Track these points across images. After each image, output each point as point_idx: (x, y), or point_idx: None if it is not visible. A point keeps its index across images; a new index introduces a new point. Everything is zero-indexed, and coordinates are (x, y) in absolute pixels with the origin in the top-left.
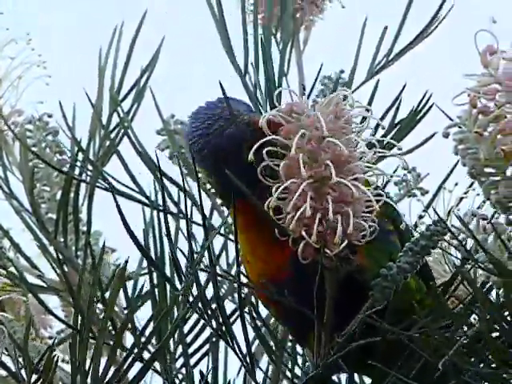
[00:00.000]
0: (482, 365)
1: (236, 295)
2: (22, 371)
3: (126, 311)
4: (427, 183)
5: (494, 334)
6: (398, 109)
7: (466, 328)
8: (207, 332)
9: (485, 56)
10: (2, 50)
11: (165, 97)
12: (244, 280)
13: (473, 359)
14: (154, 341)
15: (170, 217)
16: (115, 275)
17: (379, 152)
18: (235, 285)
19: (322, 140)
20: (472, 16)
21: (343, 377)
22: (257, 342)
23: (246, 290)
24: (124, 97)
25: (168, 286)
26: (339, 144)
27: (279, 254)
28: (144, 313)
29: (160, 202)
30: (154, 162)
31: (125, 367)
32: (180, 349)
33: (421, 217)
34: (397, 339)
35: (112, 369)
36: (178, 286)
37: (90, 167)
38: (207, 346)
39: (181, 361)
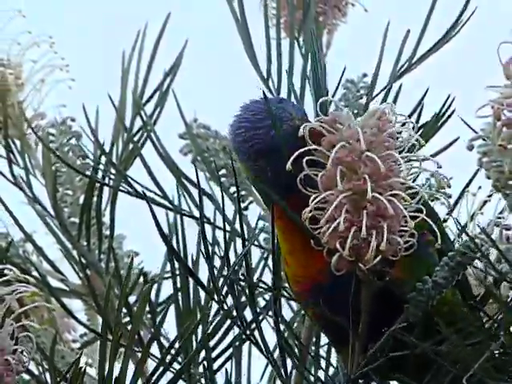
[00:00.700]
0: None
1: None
2: (48, 377)
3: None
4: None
5: None
6: (420, 113)
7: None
8: (230, 336)
9: (508, 67)
10: (25, 54)
11: (188, 100)
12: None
13: (500, 374)
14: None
15: (192, 221)
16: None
17: (417, 168)
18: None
19: (362, 153)
20: (495, 17)
21: None
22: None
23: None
24: (147, 100)
25: (191, 289)
26: (376, 159)
27: (319, 259)
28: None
29: (183, 206)
30: (178, 166)
31: (153, 380)
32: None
33: (445, 220)
34: (425, 353)
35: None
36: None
37: (112, 171)
38: (230, 351)
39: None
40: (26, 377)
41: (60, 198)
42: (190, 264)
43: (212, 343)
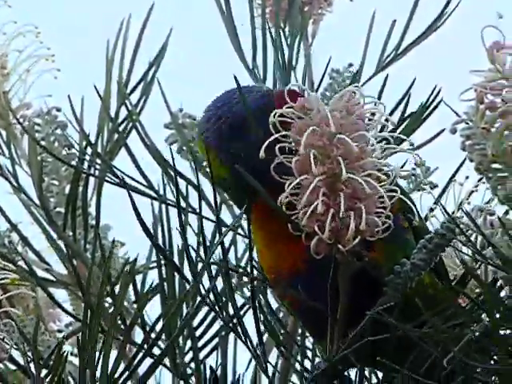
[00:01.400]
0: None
1: (244, 289)
2: (32, 365)
3: (134, 305)
4: (437, 178)
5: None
6: (407, 103)
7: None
8: (216, 326)
9: (491, 52)
10: (10, 44)
11: (173, 90)
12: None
13: (481, 356)
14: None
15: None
16: (124, 269)
17: (391, 148)
18: (245, 279)
19: (334, 136)
20: (481, 8)
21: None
22: (266, 335)
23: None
24: (132, 90)
25: (177, 280)
26: (348, 141)
27: (295, 247)
28: (154, 306)
29: (168, 195)
30: (163, 156)
31: (135, 363)
32: (189, 343)
33: (431, 210)
34: (406, 336)
35: (122, 364)
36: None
37: (98, 161)
38: (216, 340)
39: (190, 355)
40: (12, 367)
41: (46, 188)
42: (175, 254)
43: (198, 333)
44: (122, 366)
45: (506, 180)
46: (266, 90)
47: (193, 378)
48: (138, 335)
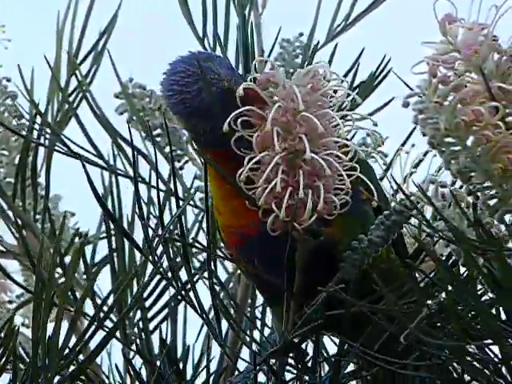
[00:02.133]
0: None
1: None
2: None
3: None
4: (386, 147)
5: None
6: (356, 73)
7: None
8: (166, 296)
9: (443, 24)
10: None
11: (123, 60)
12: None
13: (436, 331)
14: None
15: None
16: (75, 240)
17: (350, 125)
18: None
19: (298, 113)
20: None
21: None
22: None
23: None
24: (82, 60)
25: (127, 251)
26: (313, 118)
27: (251, 209)
28: (105, 276)
29: (118, 165)
30: (113, 126)
31: (86, 337)
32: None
33: (380, 179)
34: (361, 312)
35: (73, 337)
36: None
37: (48, 131)
38: (166, 311)
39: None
40: None
41: None
42: (125, 224)
43: (148, 303)
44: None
45: (458, 154)
46: (229, 79)
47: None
48: (89, 307)
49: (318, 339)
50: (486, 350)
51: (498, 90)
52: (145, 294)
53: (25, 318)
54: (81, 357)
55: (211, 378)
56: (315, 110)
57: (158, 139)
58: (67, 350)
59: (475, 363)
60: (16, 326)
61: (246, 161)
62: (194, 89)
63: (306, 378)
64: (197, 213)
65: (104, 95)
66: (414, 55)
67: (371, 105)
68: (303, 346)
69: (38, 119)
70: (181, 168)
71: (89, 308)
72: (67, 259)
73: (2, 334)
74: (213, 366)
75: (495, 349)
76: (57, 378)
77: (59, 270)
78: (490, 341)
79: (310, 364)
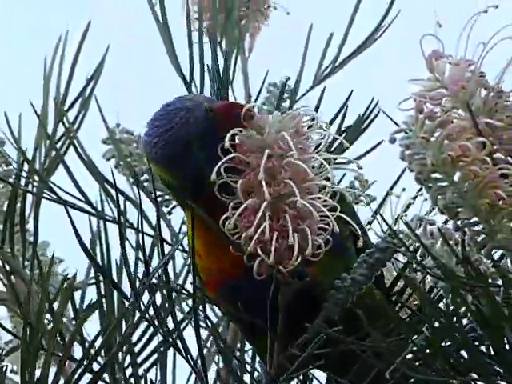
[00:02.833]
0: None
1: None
2: None
3: (74, 322)
4: (375, 190)
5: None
6: (344, 116)
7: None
8: (155, 342)
9: (430, 61)
10: None
11: (110, 106)
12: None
13: (422, 367)
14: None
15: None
16: (63, 286)
17: (336, 168)
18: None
19: (284, 158)
20: (419, 19)
21: None
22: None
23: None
24: (69, 106)
25: (116, 297)
26: (302, 164)
27: (232, 253)
28: (93, 322)
29: (106, 211)
30: (100, 172)
31: (74, 379)
32: (128, 359)
33: (369, 223)
34: (348, 349)
35: (62, 380)
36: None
37: (36, 178)
38: (156, 356)
39: (129, 370)
40: None
41: None
42: (114, 269)
43: (137, 349)
44: (61, 382)
45: (445, 189)
46: (208, 107)
47: None
48: (78, 352)
49: (305, 379)
50: None
51: (486, 126)
52: (134, 339)
53: (14, 364)
54: None
55: None
56: (300, 154)
57: (146, 184)
58: None
59: None
60: (3, 367)
61: (231, 207)
62: (178, 119)
63: None
64: (186, 257)
65: (91, 140)
66: (403, 94)
67: (360, 147)
68: None
69: (26, 166)
70: (169, 213)
71: (78, 353)
72: (56, 305)
73: None
74: None
75: None
76: None
77: (48, 316)
78: (476, 376)
79: None
